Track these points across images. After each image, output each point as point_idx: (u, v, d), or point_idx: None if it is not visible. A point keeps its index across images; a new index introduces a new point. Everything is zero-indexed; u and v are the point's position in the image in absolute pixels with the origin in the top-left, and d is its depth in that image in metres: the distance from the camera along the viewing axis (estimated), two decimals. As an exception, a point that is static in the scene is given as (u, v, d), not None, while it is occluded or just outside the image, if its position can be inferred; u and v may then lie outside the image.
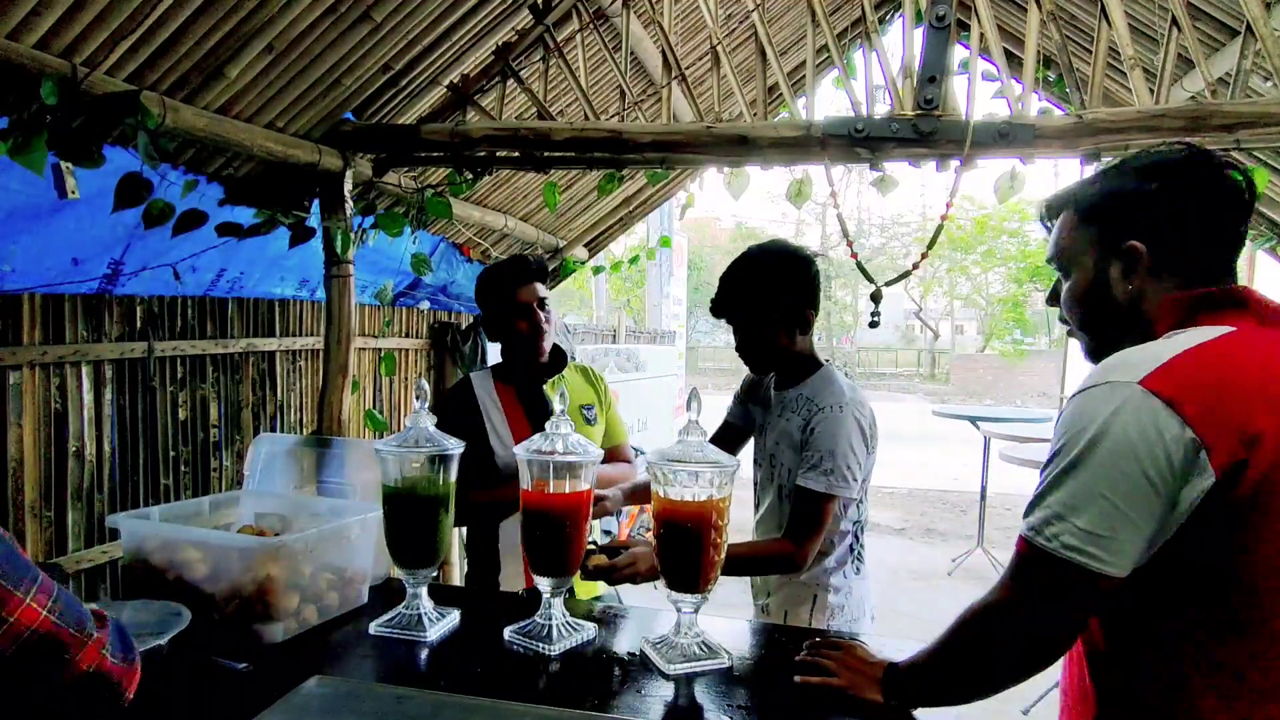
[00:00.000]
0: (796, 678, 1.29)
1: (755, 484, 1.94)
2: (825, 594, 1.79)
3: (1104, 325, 1.11)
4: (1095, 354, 1.13)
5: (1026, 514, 0.98)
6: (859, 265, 2.12)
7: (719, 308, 1.82)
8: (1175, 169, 1.03)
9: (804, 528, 1.68)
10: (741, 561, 1.67)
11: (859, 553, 1.84)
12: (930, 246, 2.22)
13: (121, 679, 0.99)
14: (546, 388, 2.09)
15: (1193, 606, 0.93)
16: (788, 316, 1.76)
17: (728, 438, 2.03)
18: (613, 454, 2.16)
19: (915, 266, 2.31)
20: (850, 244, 2.18)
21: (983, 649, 1.06)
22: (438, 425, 1.61)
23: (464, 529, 2.62)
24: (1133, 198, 1.05)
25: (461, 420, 1.95)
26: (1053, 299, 1.18)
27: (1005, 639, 1.02)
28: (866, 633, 1.76)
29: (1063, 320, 1.17)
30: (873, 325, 2.18)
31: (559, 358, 2.12)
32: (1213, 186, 1.01)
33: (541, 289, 2.04)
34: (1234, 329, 0.96)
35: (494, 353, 4.13)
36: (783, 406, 1.83)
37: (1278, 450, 0.87)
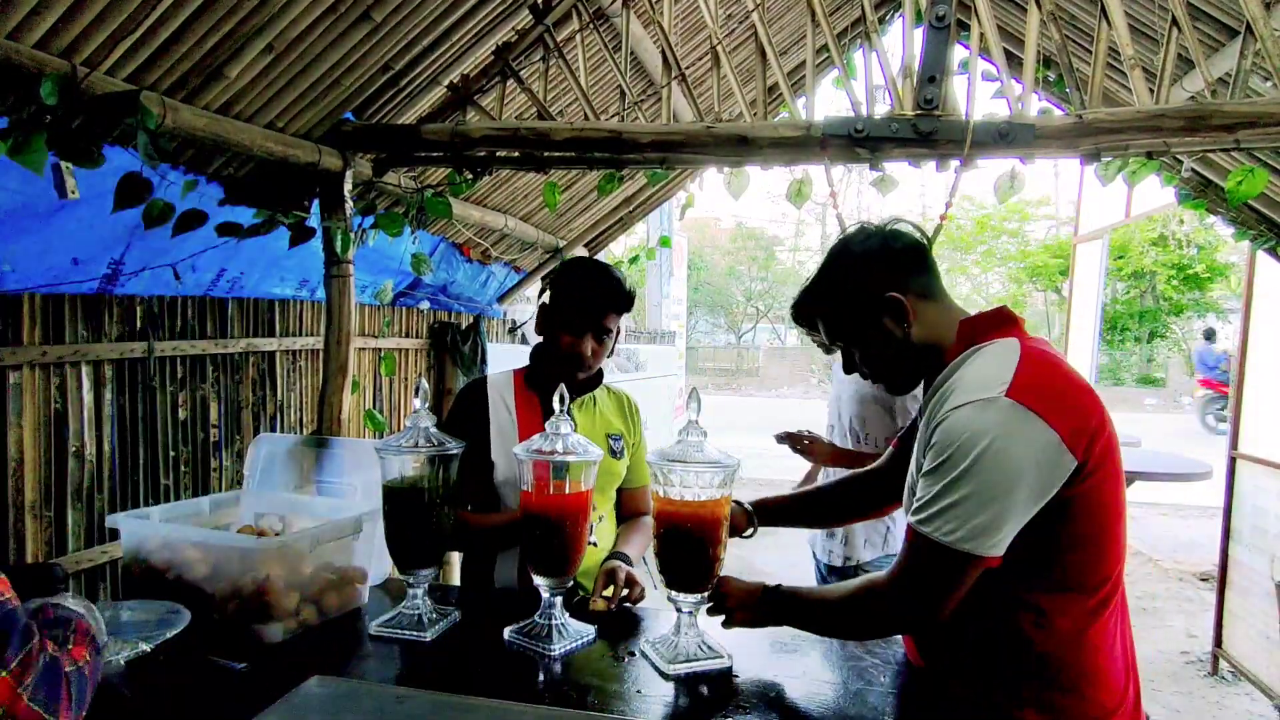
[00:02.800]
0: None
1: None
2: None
3: (906, 366, 1.33)
4: (905, 387, 1.37)
5: (917, 511, 1.17)
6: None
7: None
8: (886, 234, 1.36)
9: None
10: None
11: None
12: (929, 246, 2.22)
13: None
14: (574, 408, 1.87)
15: (1031, 565, 1.16)
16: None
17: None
18: (633, 500, 1.98)
19: (939, 227, 2.31)
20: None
21: (870, 619, 1.30)
22: (441, 425, 1.63)
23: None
24: (868, 262, 1.32)
25: (463, 426, 1.81)
26: (849, 369, 1.41)
27: (895, 616, 1.26)
28: None
29: (866, 377, 1.40)
30: None
31: (595, 376, 1.92)
32: (910, 237, 1.36)
33: (614, 319, 1.81)
34: (1018, 340, 1.22)
35: (494, 353, 4.13)
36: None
37: (1105, 440, 1.15)
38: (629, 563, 1.72)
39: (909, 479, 1.31)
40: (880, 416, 2.50)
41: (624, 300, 1.81)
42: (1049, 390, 1.14)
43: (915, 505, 1.19)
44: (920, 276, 1.32)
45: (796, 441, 2.54)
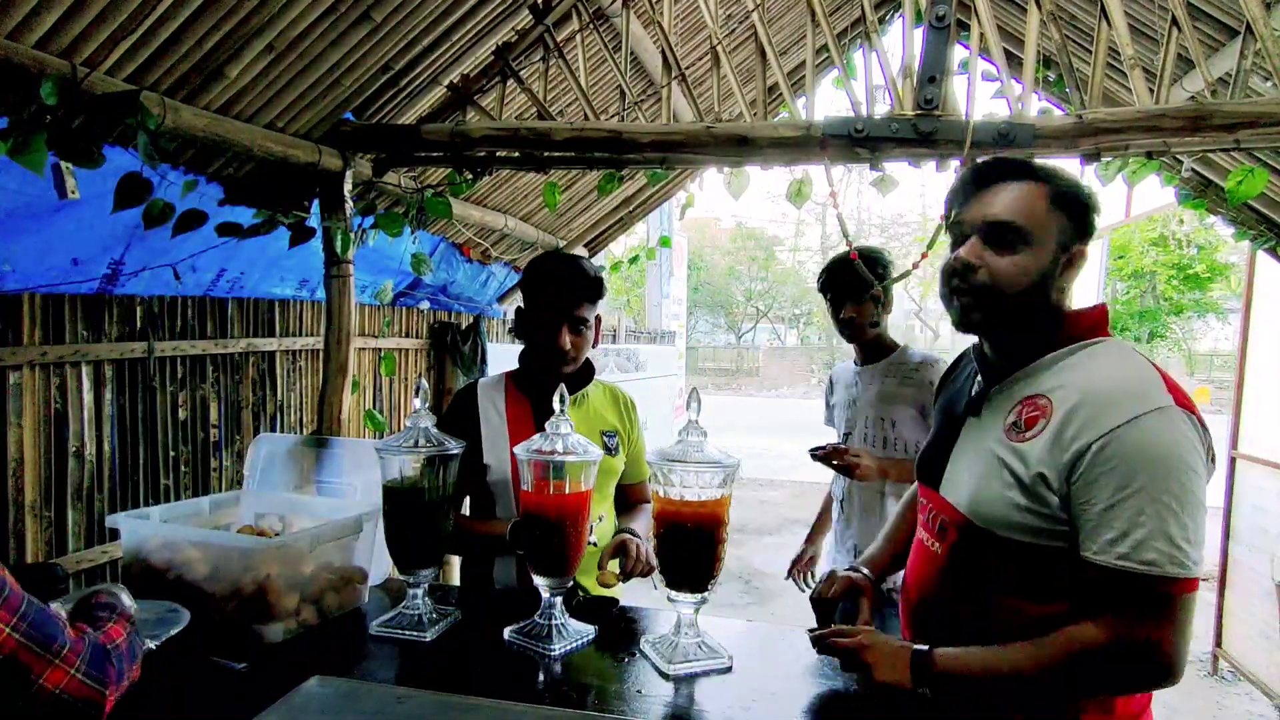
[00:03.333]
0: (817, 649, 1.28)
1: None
2: None
3: (1032, 315, 1.16)
4: (972, 327, 1.19)
5: (1123, 544, 1.00)
6: (858, 265, 2.12)
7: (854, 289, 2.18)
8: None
9: None
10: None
11: None
12: (930, 246, 2.23)
13: (92, 698, 0.95)
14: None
15: None
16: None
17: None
18: (634, 493, 2.01)
19: (915, 266, 2.31)
20: (850, 244, 2.18)
21: (1092, 687, 1.06)
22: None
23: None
24: (1090, 207, 1.16)
25: (454, 431, 1.72)
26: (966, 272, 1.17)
27: (1130, 679, 1.06)
28: None
29: (966, 294, 1.18)
30: (873, 325, 2.23)
31: (586, 372, 1.92)
32: None
33: (587, 308, 1.79)
34: (1124, 342, 1.15)
35: (494, 353, 4.13)
36: (875, 374, 2.28)
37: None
38: (638, 537, 1.73)
39: (1048, 500, 1.08)
40: (913, 419, 2.18)
41: (589, 287, 1.79)
42: (1189, 401, 1.06)
43: (1115, 538, 1.01)
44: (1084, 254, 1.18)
45: (838, 457, 2.10)
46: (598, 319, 1.87)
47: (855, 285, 2.18)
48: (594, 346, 1.89)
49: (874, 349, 2.28)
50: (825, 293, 2.30)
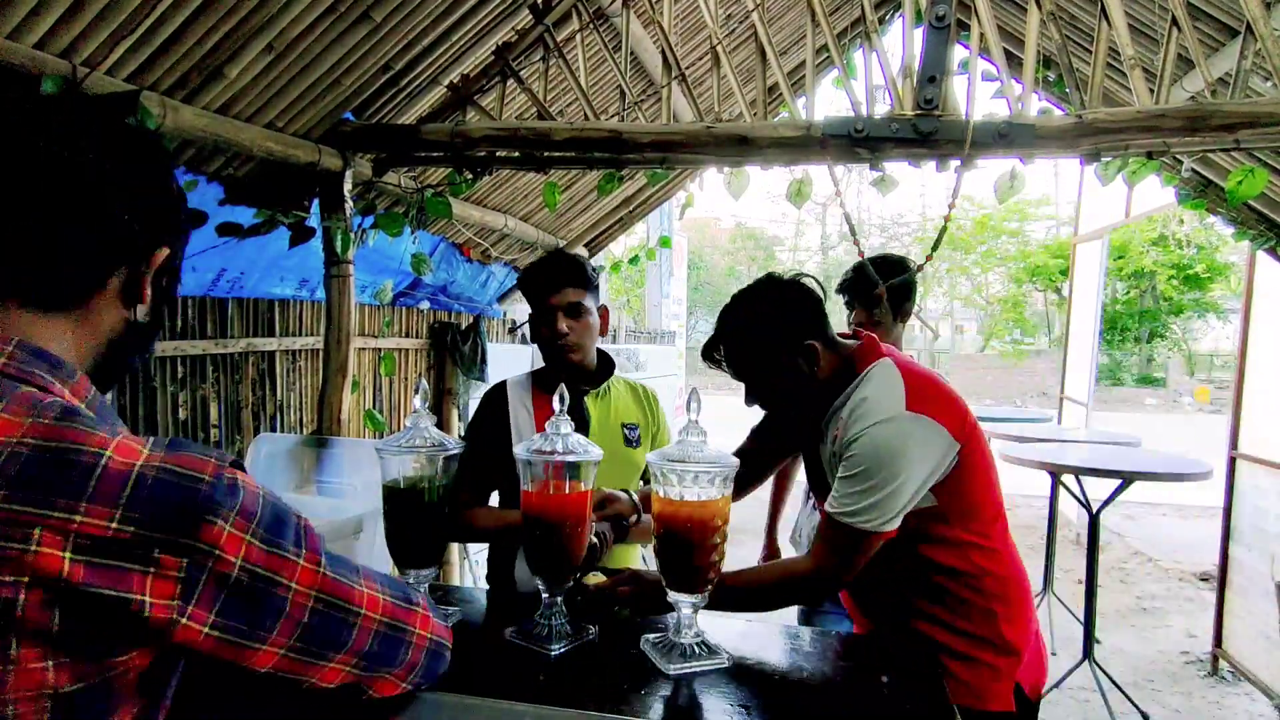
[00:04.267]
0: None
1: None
2: None
3: (808, 400, 1.62)
4: (809, 424, 1.65)
5: (841, 507, 1.48)
6: (863, 264, 2.12)
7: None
8: (798, 285, 1.62)
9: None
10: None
11: None
12: (935, 248, 2.25)
13: (447, 638, 0.99)
14: (588, 400, 1.93)
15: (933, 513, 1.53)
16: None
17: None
18: None
19: (919, 268, 2.31)
20: (857, 242, 2.18)
21: (796, 597, 1.71)
22: (467, 433, 1.87)
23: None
24: (789, 313, 1.59)
25: (486, 431, 1.89)
26: (751, 401, 1.67)
27: (818, 590, 1.69)
28: None
29: (763, 406, 1.69)
30: (875, 325, 2.23)
31: (606, 367, 1.97)
32: (811, 289, 1.62)
33: (575, 293, 1.86)
34: (891, 360, 1.56)
35: (494, 353, 4.13)
36: None
37: (971, 421, 1.52)
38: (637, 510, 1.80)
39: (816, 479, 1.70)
40: None
41: (573, 271, 1.88)
42: (932, 396, 1.49)
43: (837, 503, 1.48)
44: (825, 324, 1.61)
45: None
46: (604, 310, 1.94)
47: (864, 289, 2.24)
48: (602, 335, 1.96)
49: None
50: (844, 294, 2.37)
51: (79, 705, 0.62)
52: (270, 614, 0.72)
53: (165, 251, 0.80)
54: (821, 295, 1.63)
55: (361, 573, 0.85)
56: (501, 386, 1.98)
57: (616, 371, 2.03)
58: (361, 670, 0.85)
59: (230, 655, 0.72)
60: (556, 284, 1.85)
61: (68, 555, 0.60)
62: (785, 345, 1.57)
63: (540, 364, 2.01)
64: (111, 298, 0.77)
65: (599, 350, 1.98)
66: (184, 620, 0.66)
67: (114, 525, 0.62)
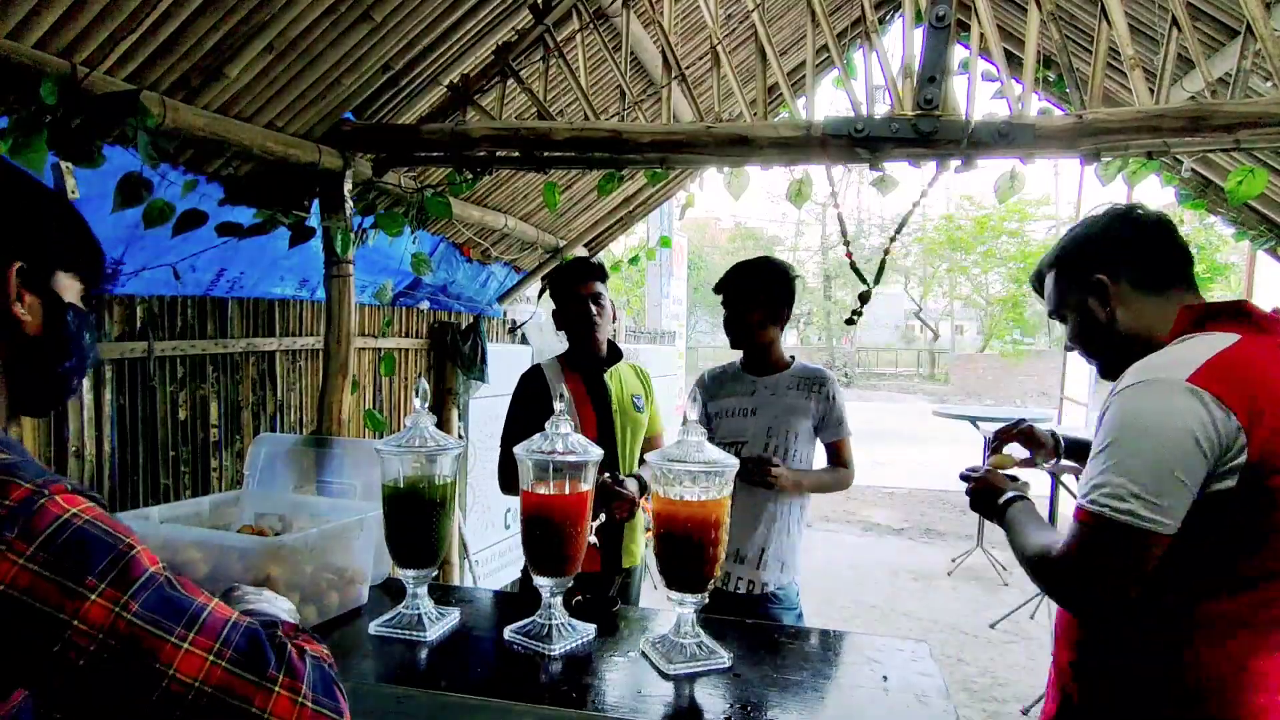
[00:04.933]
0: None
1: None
2: (794, 557, 2.33)
3: (1106, 347, 1.34)
4: (1109, 373, 1.33)
5: (1088, 492, 1.13)
6: (852, 265, 2.14)
7: (744, 296, 2.27)
8: (1121, 215, 1.33)
9: (851, 464, 2.36)
10: (823, 481, 2.32)
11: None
12: (898, 231, 2.41)
13: None
14: (606, 376, 2.33)
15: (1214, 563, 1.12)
16: (780, 315, 2.28)
17: None
18: (652, 442, 2.47)
19: (887, 252, 2.46)
20: (847, 244, 2.19)
21: (1033, 569, 1.24)
22: (510, 409, 2.29)
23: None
24: (1088, 241, 1.34)
25: (539, 404, 2.16)
26: (1070, 345, 1.43)
27: (1047, 582, 1.21)
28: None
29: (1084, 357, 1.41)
30: (849, 322, 2.45)
31: (616, 352, 2.39)
32: (1146, 223, 1.30)
33: (599, 286, 2.30)
34: (1240, 336, 1.15)
35: (494, 353, 4.13)
36: (777, 386, 2.29)
37: None
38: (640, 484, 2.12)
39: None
40: (808, 432, 2.29)
41: (596, 269, 2.35)
42: (1238, 376, 1.09)
43: (1081, 486, 1.15)
44: (1139, 264, 1.28)
45: (763, 467, 2.13)
46: (612, 303, 2.37)
47: (759, 290, 2.27)
48: (614, 322, 2.39)
49: (771, 359, 2.34)
50: (724, 293, 2.32)
51: None
52: (38, 645, 0.65)
53: (16, 264, 0.79)
54: (1162, 230, 1.29)
55: (200, 625, 0.70)
56: (538, 369, 2.38)
57: None
58: None
59: (18, 681, 0.67)
60: (587, 276, 2.30)
61: None
62: (1078, 276, 1.32)
63: (528, 365, 2.44)
64: None
65: (609, 340, 2.39)
66: None
67: None
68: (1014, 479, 1.44)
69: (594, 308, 2.28)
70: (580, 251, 4.35)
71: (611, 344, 2.40)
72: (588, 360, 2.34)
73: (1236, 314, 1.20)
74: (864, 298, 2.29)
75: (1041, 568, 1.19)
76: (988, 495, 1.43)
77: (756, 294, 2.26)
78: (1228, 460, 1.07)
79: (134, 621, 0.67)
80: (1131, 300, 1.28)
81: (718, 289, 2.32)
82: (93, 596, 0.65)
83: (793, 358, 2.38)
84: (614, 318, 2.39)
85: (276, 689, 0.71)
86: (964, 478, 1.52)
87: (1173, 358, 1.15)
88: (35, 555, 0.64)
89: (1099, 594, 1.12)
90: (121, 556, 0.68)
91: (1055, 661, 1.33)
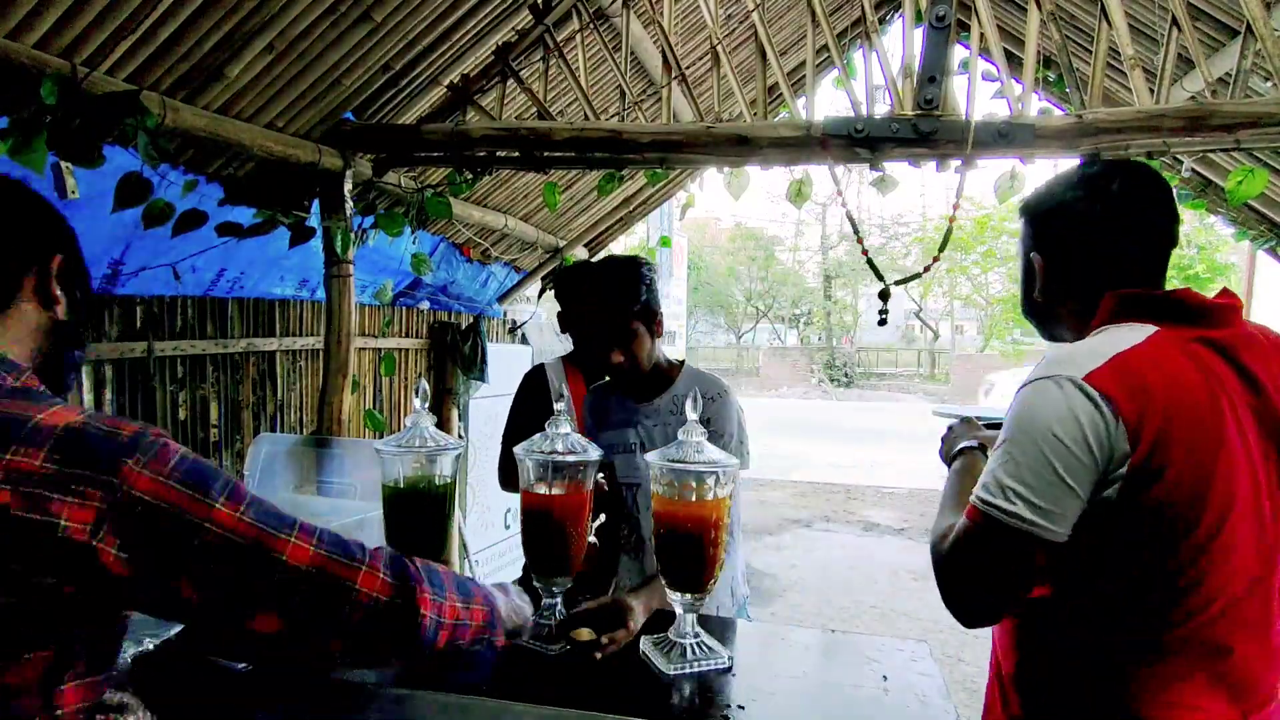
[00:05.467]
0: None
1: (622, 506, 1.86)
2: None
3: (1037, 317, 1.28)
4: (1048, 338, 1.29)
5: (979, 490, 1.07)
6: (869, 262, 2.12)
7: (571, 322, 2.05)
8: (1096, 177, 1.17)
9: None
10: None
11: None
12: (941, 249, 2.25)
13: (410, 600, 0.91)
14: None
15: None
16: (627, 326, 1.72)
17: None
18: None
19: (927, 269, 2.33)
20: (861, 241, 2.18)
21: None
22: (512, 407, 2.17)
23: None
24: (1039, 204, 1.22)
25: (531, 406, 2.11)
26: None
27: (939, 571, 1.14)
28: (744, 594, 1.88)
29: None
30: (881, 323, 2.24)
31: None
32: (1134, 189, 1.14)
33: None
34: (1157, 329, 1.07)
35: (494, 353, 4.13)
36: (657, 414, 1.80)
37: (1180, 448, 1.00)
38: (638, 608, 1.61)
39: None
40: None
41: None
42: (1133, 378, 1.01)
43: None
44: (1080, 255, 1.17)
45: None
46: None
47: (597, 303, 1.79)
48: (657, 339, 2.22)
49: (647, 378, 1.84)
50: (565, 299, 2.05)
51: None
52: (181, 549, 0.79)
53: (59, 256, 0.94)
54: (1136, 219, 1.15)
55: (298, 527, 0.87)
56: (541, 368, 2.28)
57: None
58: (298, 621, 0.86)
59: (153, 590, 0.79)
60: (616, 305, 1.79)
61: (5, 487, 0.73)
62: (1023, 238, 1.24)
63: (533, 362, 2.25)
64: (30, 300, 0.92)
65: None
66: (97, 543, 0.75)
67: (39, 463, 0.75)
68: (996, 425, 1.18)
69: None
70: (580, 252, 4.35)
71: (667, 362, 1.86)
72: (592, 362, 2.21)
73: (1154, 305, 1.10)
74: (884, 295, 2.19)
75: (934, 557, 1.15)
76: (945, 442, 1.39)
77: (596, 309, 1.77)
78: (1114, 468, 1.00)
79: (251, 523, 0.83)
80: (1062, 289, 1.19)
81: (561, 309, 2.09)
82: (217, 504, 0.81)
83: (679, 363, 1.87)
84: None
85: (363, 568, 0.89)
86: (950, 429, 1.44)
87: (1077, 352, 1.07)
88: (172, 474, 0.79)
89: (980, 594, 1.08)
90: (227, 478, 0.84)
91: (995, 669, 1.24)
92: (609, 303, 1.72)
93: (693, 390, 1.55)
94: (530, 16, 2.30)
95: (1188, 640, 1.03)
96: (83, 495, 0.75)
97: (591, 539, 1.60)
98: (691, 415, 1.37)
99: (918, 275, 2.25)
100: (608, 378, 1.93)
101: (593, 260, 2.15)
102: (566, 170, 2.52)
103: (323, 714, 1.26)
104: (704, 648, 1.39)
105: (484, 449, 4.01)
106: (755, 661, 1.41)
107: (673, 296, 11.30)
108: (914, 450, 11.26)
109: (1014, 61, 2.24)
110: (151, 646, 1.25)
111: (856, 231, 2.23)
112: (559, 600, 1.49)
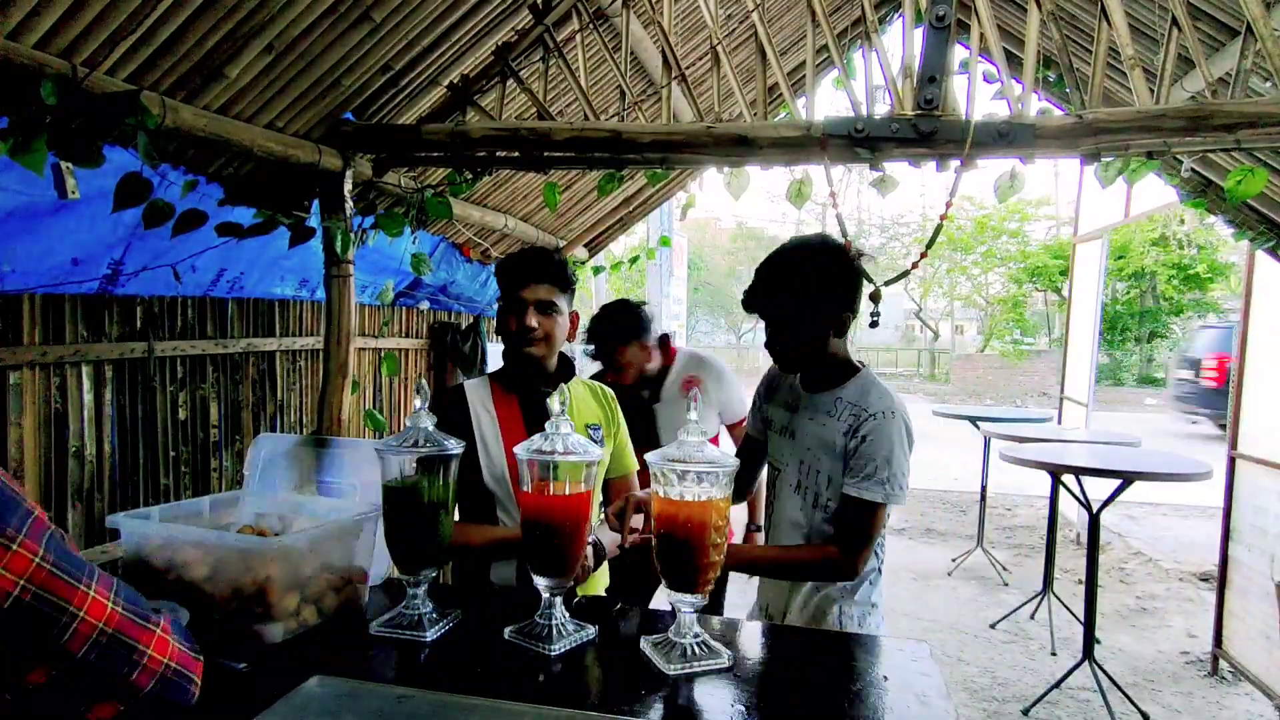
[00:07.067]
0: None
1: (769, 484, 1.93)
2: (850, 606, 1.74)
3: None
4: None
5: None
6: (859, 267, 2.11)
7: (755, 303, 1.84)
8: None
9: (858, 538, 1.66)
10: (783, 567, 1.74)
11: (881, 562, 1.80)
12: (929, 246, 2.23)
13: (192, 669, 0.95)
14: (550, 401, 1.91)
15: None
16: (830, 317, 1.78)
17: (753, 454, 2.02)
18: (620, 486, 2.02)
19: (914, 266, 2.31)
20: (849, 245, 2.17)
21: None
22: None
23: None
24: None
25: (456, 434, 1.80)
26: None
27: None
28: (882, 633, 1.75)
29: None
30: (873, 325, 2.21)
31: (566, 369, 1.98)
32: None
33: (549, 290, 1.85)
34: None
35: (494, 353, 4.13)
36: (816, 409, 1.82)
37: None
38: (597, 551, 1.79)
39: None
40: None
41: (547, 268, 1.87)
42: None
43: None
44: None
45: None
46: (574, 315, 1.96)
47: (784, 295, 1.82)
48: (570, 340, 1.96)
49: (825, 373, 1.90)
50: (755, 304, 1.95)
51: None
52: None
53: None
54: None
55: (97, 578, 0.83)
56: (460, 389, 1.96)
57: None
58: (75, 677, 0.83)
59: None
60: (532, 278, 1.85)
61: None
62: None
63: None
64: None
65: (560, 353, 1.97)
66: None
67: None
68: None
69: (535, 319, 1.82)
70: (580, 252, 4.35)
71: (563, 358, 1.97)
72: (526, 381, 1.91)
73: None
74: (875, 297, 2.18)
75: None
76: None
77: (781, 302, 1.82)
78: None
79: (51, 571, 0.79)
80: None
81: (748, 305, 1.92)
82: (13, 548, 0.77)
83: (860, 366, 1.86)
84: (570, 334, 1.93)
85: (157, 632, 0.89)
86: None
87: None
88: None
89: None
90: (28, 515, 0.79)
91: None
92: (814, 295, 1.79)
93: (849, 396, 1.77)
94: (530, 16, 2.29)
95: None
96: None
97: (591, 539, 1.60)
98: (692, 416, 1.37)
99: (905, 274, 2.23)
100: (614, 377, 1.98)
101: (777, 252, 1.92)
102: (566, 170, 2.51)
103: (322, 713, 1.26)
104: (704, 648, 1.39)
105: (484, 449, 4.00)
106: (755, 661, 1.41)
107: (673, 296, 11.30)
108: (914, 450, 11.25)
109: (1014, 61, 2.24)
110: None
111: (845, 237, 2.22)
112: (559, 601, 1.49)
